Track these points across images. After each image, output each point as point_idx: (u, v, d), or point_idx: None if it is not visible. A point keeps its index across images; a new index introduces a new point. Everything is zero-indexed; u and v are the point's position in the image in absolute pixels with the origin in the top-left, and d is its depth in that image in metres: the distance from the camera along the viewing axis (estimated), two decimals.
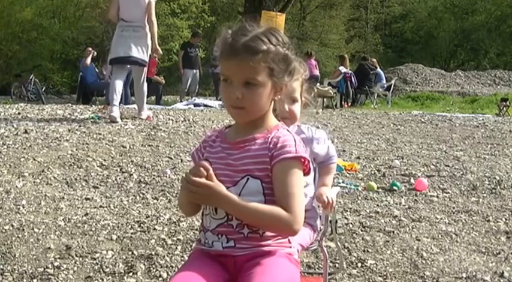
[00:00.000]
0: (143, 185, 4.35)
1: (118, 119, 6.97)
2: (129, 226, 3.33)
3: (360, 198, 4.25)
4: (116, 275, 2.69)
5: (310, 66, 15.30)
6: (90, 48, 13.05)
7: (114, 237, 3.13)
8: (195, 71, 13.26)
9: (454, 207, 4.07)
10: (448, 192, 4.50)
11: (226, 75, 1.54)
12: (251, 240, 1.54)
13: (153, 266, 2.79)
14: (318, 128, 2.27)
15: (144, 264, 2.80)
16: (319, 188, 2.09)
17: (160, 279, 2.68)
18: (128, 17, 7.00)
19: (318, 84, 13.77)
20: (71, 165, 4.77)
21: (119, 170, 4.76)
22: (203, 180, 1.49)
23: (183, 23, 25.50)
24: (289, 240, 1.60)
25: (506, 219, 3.81)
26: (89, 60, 12.43)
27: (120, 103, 11.23)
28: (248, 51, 1.50)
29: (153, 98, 13.13)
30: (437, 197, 4.36)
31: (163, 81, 13.43)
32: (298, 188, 1.54)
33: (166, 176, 4.60)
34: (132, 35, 7.00)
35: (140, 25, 7.02)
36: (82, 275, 2.68)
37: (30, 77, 13.64)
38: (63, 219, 3.39)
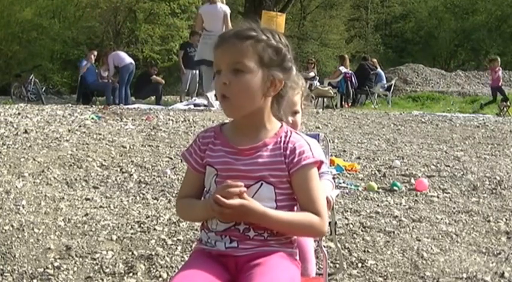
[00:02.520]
0: (143, 185, 4.35)
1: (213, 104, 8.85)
2: (129, 226, 3.32)
3: (360, 198, 4.25)
4: (116, 275, 2.69)
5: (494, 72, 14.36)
6: (95, 52, 13.04)
7: (114, 237, 3.13)
8: (195, 71, 13.21)
9: (454, 208, 4.06)
10: (449, 193, 4.50)
11: (217, 65, 1.54)
12: (255, 241, 1.54)
13: (153, 266, 2.79)
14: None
15: (144, 265, 2.80)
16: None
17: (160, 279, 2.67)
18: (209, 27, 9.10)
19: (318, 84, 13.77)
20: (71, 165, 4.77)
21: (119, 170, 4.76)
22: (238, 200, 1.46)
23: (183, 23, 25.52)
24: (291, 241, 1.60)
25: (506, 219, 3.80)
26: (85, 68, 12.46)
27: (120, 103, 11.37)
28: (237, 37, 1.51)
29: (153, 98, 13.15)
30: (438, 197, 4.35)
31: (163, 81, 13.41)
32: (321, 191, 1.58)
33: (166, 176, 4.60)
34: (213, 42, 8.83)
35: (219, 33, 8.57)
36: (82, 275, 2.67)
37: (30, 77, 13.58)
38: (63, 220, 3.39)
